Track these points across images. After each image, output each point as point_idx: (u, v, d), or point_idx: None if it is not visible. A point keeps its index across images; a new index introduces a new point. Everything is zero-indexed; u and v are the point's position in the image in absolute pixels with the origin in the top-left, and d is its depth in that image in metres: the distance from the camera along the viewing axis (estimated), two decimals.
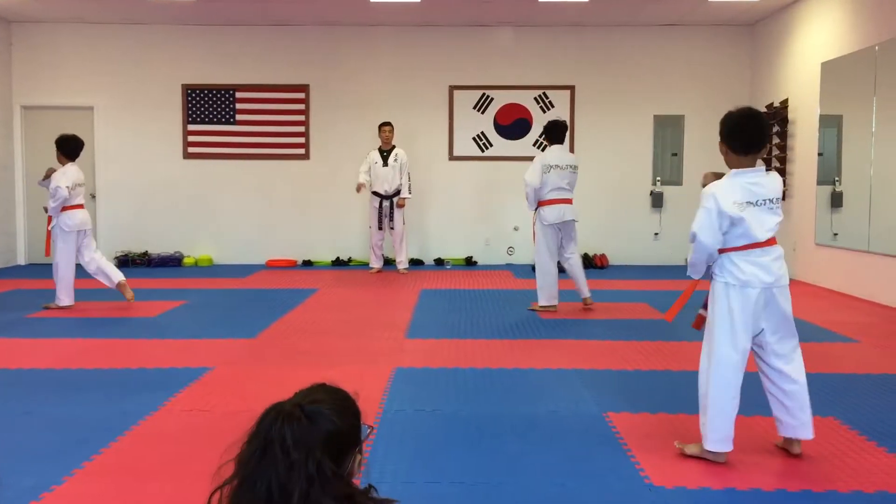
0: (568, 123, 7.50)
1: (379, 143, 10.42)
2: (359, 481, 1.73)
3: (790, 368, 3.54)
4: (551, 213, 7.28)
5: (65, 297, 7.45)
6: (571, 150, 11.21)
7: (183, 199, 11.38)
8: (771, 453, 3.63)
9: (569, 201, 7.32)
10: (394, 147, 10.38)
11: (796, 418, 3.55)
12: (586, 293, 7.46)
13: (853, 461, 3.54)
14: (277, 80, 11.28)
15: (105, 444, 3.72)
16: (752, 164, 3.53)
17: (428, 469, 3.43)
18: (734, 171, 3.51)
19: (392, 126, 10.34)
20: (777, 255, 3.50)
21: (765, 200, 3.45)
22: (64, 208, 7.37)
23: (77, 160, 7.59)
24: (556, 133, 7.42)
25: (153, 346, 5.89)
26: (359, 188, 10.27)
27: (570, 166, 7.31)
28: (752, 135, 3.52)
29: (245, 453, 1.60)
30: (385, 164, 10.28)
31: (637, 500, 3.14)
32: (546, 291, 7.36)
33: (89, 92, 11.23)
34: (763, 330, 3.50)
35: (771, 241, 3.49)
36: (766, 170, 3.58)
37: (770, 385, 3.59)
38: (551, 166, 7.25)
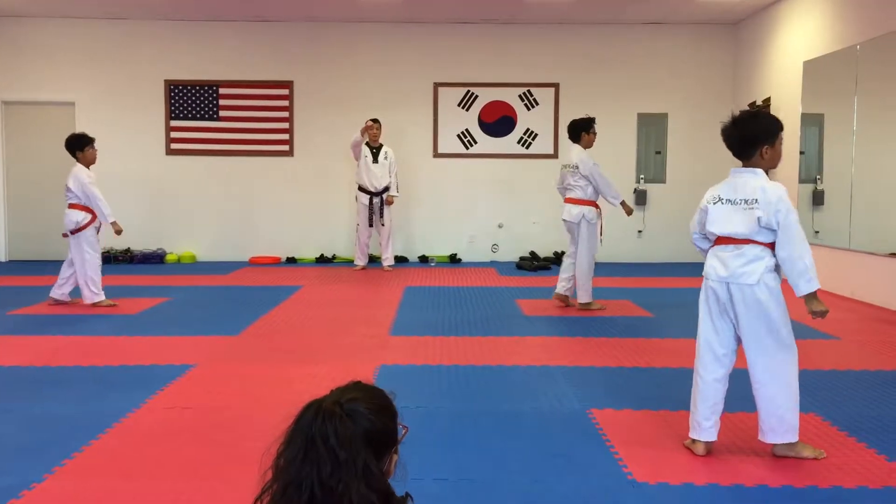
0: (593, 119, 7.46)
1: (366, 139, 10.39)
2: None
3: (754, 371, 3.54)
4: (562, 212, 7.45)
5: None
6: (555, 147, 11.28)
7: (166, 195, 11.31)
8: (753, 450, 3.65)
9: (571, 201, 7.32)
10: (382, 145, 10.35)
11: (761, 419, 3.57)
12: (582, 299, 7.31)
13: (834, 457, 3.56)
14: (261, 76, 11.23)
15: (87, 442, 3.69)
16: (750, 166, 3.58)
17: (411, 466, 3.39)
18: (732, 169, 3.67)
19: (379, 123, 10.31)
20: (739, 253, 3.50)
21: (741, 200, 3.50)
22: None
23: (83, 157, 7.38)
24: (569, 132, 7.51)
25: (135, 344, 5.85)
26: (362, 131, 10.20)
27: (569, 166, 7.34)
28: (729, 143, 3.64)
29: (288, 455, 1.56)
30: (375, 160, 10.26)
31: (620, 496, 3.15)
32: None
33: (71, 87, 11.14)
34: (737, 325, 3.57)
35: (731, 239, 3.52)
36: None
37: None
38: (562, 166, 7.50)
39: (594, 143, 7.39)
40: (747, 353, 3.54)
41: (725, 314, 3.57)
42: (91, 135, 7.57)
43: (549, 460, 3.53)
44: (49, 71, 11.13)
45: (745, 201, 3.48)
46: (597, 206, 7.30)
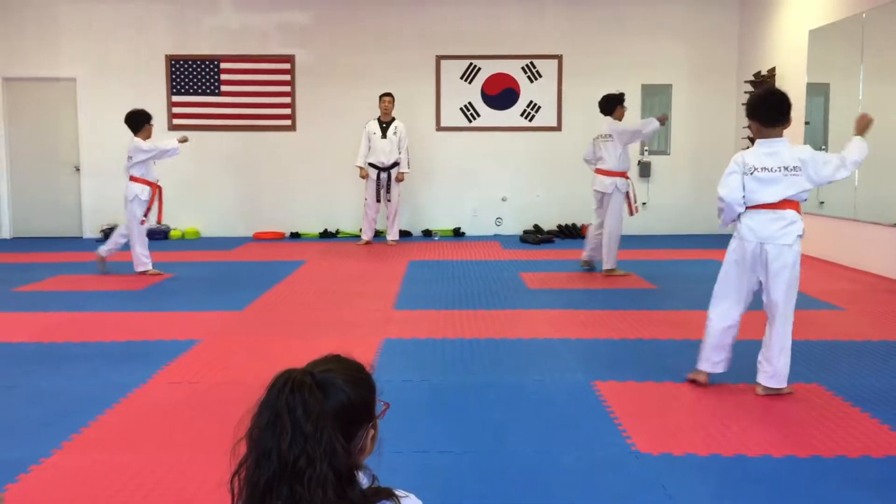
0: (622, 95, 7.77)
1: (378, 114, 10.32)
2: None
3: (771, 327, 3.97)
4: (593, 183, 7.77)
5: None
6: (559, 120, 11.23)
7: (168, 171, 11.22)
8: (757, 420, 3.66)
9: (603, 172, 7.60)
10: (393, 119, 10.29)
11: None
12: (606, 265, 7.68)
13: (838, 427, 3.57)
14: (262, 50, 11.16)
15: (93, 417, 3.71)
16: (777, 136, 3.95)
17: (416, 439, 3.45)
18: (758, 140, 4.01)
19: (392, 97, 10.24)
20: (776, 217, 3.87)
21: (779, 168, 3.86)
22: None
23: (141, 132, 7.94)
24: (604, 105, 7.73)
25: (141, 319, 5.88)
26: (363, 175, 10.23)
27: (602, 136, 7.63)
28: (778, 110, 3.96)
29: (257, 426, 1.50)
30: (384, 135, 10.19)
31: (623, 467, 3.17)
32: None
33: (72, 63, 11.07)
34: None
35: (779, 204, 3.88)
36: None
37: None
38: (593, 139, 7.77)
39: (624, 117, 7.76)
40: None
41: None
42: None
43: (553, 432, 3.54)
44: (50, 47, 11.06)
45: (785, 168, 3.85)
46: (626, 176, 7.64)
